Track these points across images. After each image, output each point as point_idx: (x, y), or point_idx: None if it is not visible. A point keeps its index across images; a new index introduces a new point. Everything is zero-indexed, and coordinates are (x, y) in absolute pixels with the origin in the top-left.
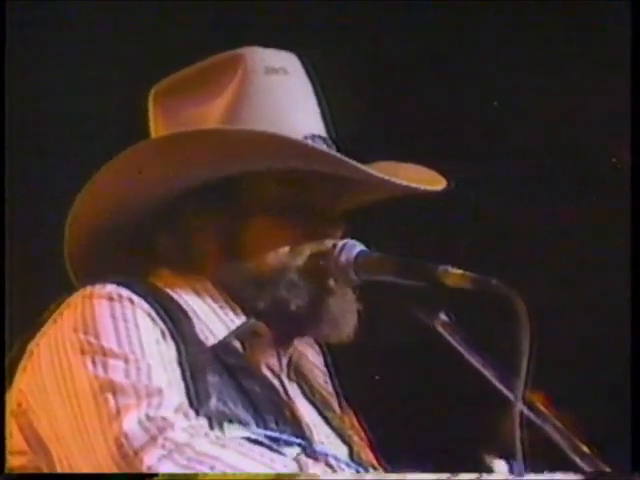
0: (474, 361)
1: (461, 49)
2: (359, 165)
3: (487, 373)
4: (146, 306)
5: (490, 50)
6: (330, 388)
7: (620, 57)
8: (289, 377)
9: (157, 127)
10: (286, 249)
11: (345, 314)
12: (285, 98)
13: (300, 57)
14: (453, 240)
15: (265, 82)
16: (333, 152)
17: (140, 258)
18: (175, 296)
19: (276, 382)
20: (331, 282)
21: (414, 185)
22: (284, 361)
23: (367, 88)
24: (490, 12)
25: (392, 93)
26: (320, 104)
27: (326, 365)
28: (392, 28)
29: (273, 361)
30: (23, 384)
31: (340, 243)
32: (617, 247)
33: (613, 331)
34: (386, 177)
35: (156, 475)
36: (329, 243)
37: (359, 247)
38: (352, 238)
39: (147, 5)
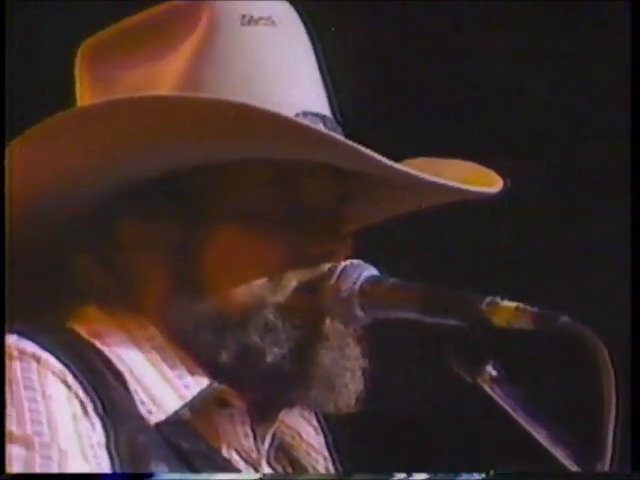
0: (536, 433)
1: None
2: (385, 160)
3: (555, 451)
4: (59, 366)
5: (488, 50)
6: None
7: (620, 57)
8: (271, 465)
9: (83, 96)
10: (263, 277)
11: (343, 372)
12: (270, 58)
13: (295, 6)
14: (502, 261)
15: (241, 35)
16: (343, 139)
17: (54, 291)
18: (104, 349)
19: (250, 475)
20: (326, 325)
21: (471, 189)
22: (264, 443)
23: (390, 53)
24: (489, 14)
25: (422, 64)
26: (321, 71)
27: (329, 448)
28: None
29: (247, 444)
30: None
31: (340, 265)
32: None
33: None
34: (429, 177)
35: (152, 475)
36: (324, 267)
37: (367, 270)
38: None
39: None
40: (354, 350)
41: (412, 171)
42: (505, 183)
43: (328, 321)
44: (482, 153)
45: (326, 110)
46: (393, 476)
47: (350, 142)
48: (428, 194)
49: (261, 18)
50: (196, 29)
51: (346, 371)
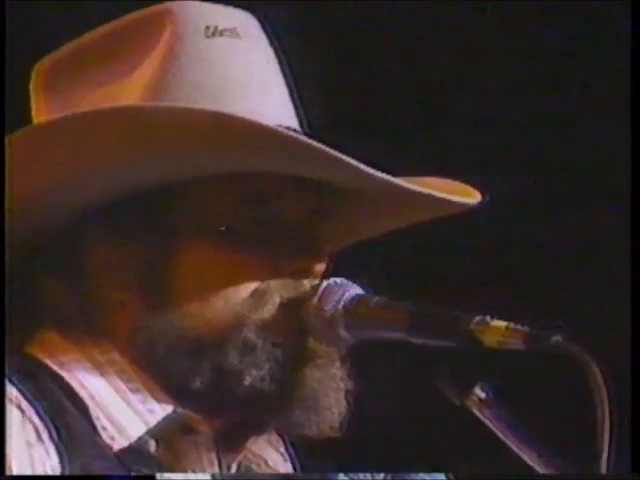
0: (528, 458)
1: (457, 52)
2: (373, 171)
3: (549, 476)
4: (13, 391)
5: (488, 49)
6: None
7: (620, 57)
8: None
9: (39, 118)
10: (242, 293)
11: (329, 393)
12: (237, 70)
13: (259, 18)
14: (490, 277)
15: (206, 47)
16: (329, 150)
17: (15, 313)
18: (64, 375)
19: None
20: (311, 344)
21: (453, 199)
22: (230, 471)
23: (359, 64)
24: (489, 12)
25: (395, 74)
26: (287, 83)
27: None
28: None
29: (212, 472)
30: None
31: (323, 284)
32: None
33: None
34: (412, 186)
35: (153, 477)
36: (306, 285)
37: (351, 288)
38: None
39: None
40: (340, 370)
41: (396, 180)
42: (483, 197)
43: (312, 339)
44: (462, 168)
45: (295, 123)
46: None
47: (335, 152)
48: (408, 208)
49: (225, 29)
50: (159, 43)
51: (331, 392)
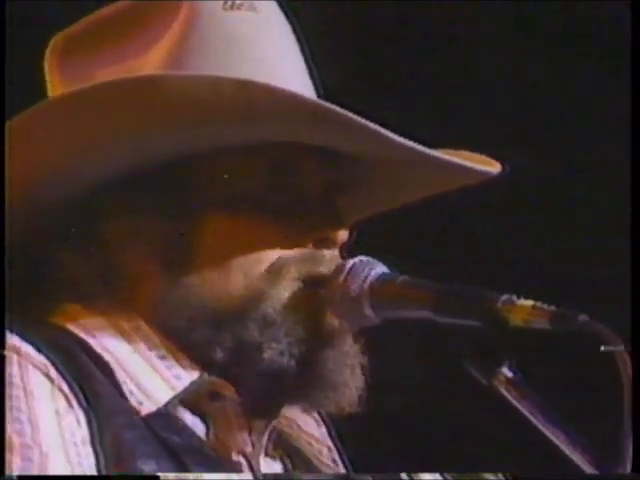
0: (553, 436)
1: (459, 52)
2: (396, 137)
3: (574, 455)
4: (41, 358)
5: (488, 49)
6: (342, 470)
7: (620, 57)
8: (268, 456)
9: (55, 93)
10: (261, 266)
11: (343, 370)
12: (255, 43)
13: None
14: (515, 255)
15: (224, 20)
16: (355, 117)
17: (40, 286)
18: (89, 340)
19: (246, 473)
20: (325, 322)
21: (474, 166)
22: (262, 437)
23: (376, 38)
24: (490, 12)
25: (412, 50)
26: (304, 56)
27: (332, 438)
28: None
29: (242, 437)
30: None
31: (349, 263)
32: None
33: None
34: (434, 152)
35: (157, 478)
36: (330, 262)
37: (377, 267)
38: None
39: None
40: (352, 347)
41: (420, 147)
42: (503, 168)
43: (328, 318)
44: (482, 143)
45: (312, 94)
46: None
47: (360, 119)
48: (430, 177)
49: (242, 4)
50: (177, 17)
51: (345, 369)
